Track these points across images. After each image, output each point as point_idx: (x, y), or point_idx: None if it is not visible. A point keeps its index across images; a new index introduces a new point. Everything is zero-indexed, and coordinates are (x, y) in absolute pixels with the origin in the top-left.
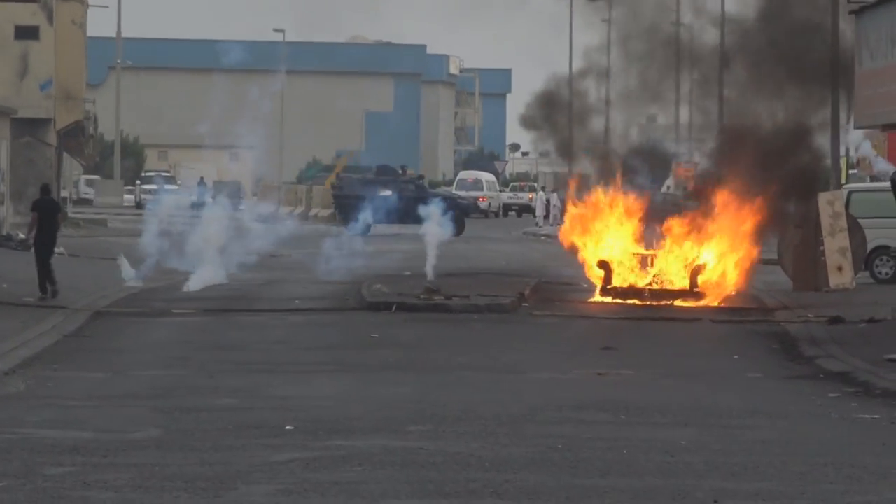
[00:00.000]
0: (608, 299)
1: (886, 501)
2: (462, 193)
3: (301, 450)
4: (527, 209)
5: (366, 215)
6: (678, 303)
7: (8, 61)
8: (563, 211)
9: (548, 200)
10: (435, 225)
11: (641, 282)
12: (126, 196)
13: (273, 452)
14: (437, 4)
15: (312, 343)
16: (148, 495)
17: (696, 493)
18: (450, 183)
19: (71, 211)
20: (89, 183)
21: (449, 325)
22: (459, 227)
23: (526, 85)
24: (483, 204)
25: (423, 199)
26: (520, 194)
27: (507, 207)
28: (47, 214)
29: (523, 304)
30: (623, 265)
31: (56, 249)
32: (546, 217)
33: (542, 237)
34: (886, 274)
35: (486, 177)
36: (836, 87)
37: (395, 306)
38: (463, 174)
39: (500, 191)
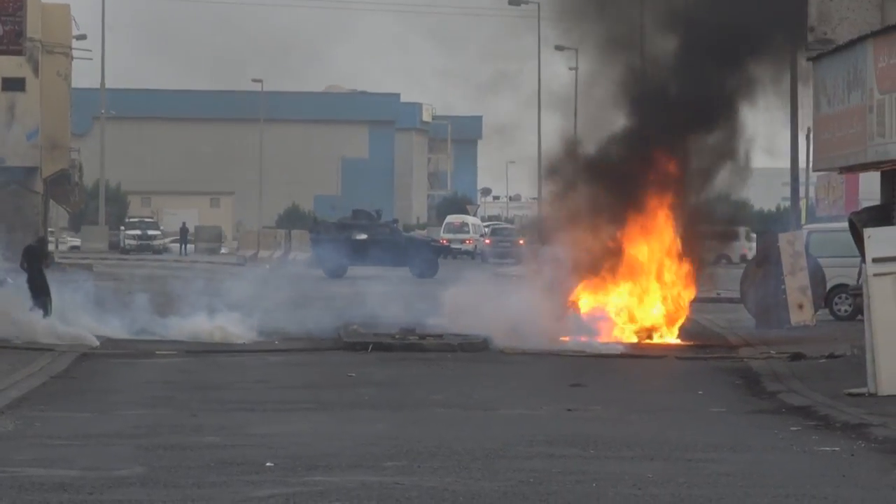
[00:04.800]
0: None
1: None
2: (449, 236)
3: (281, 486)
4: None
5: (342, 258)
6: (644, 340)
7: None
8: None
9: None
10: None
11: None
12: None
13: (254, 488)
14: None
15: (291, 382)
16: None
17: None
18: (423, 227)
19: (58, 256)
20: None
21: (423, 363)
22: (433, 269)
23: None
24: (469, 246)
25: (398, 242)
26: None
27: None
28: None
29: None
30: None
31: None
32: None
33: (513, 276)
34: (845, 311)
35: (472, 220)
36: (796, 132)
37: (371, 346)
38: (450, 218)
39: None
